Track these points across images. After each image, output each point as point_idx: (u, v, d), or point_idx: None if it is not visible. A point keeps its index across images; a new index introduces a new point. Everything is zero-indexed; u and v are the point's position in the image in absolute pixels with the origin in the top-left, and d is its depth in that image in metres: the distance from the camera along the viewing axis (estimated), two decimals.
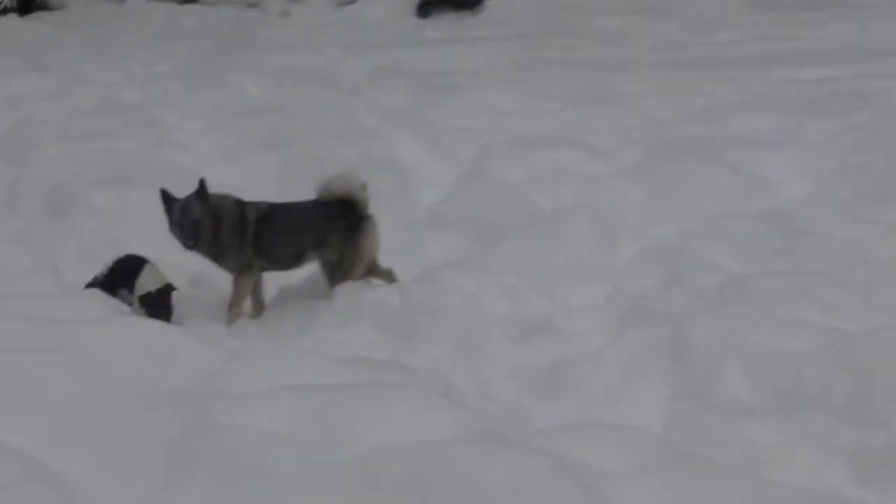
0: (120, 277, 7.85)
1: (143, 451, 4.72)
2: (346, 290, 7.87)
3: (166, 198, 7.99)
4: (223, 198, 8.21)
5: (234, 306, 8.12)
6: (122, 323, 6.25)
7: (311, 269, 8.38)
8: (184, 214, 7.97)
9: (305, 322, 7.65)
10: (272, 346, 7.04)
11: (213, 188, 8.09)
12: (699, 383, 6.15)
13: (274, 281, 8.45)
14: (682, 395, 6.20)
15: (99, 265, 7.98)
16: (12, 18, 24.64)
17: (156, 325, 6.23)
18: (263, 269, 8.28)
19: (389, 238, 9.02)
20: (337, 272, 8.09)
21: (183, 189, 8.03)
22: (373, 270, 8.24)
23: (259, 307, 8.34)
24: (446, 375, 6.57)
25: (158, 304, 7.83)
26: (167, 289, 7.93)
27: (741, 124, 11.59)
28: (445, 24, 22.97)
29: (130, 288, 7.82)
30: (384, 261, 8.42)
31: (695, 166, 9.78)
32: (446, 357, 6.92)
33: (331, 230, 8.10)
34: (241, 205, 8.21)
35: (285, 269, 8.39)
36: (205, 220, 8.00)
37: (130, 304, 7.67)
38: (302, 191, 8.87)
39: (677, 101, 12.91)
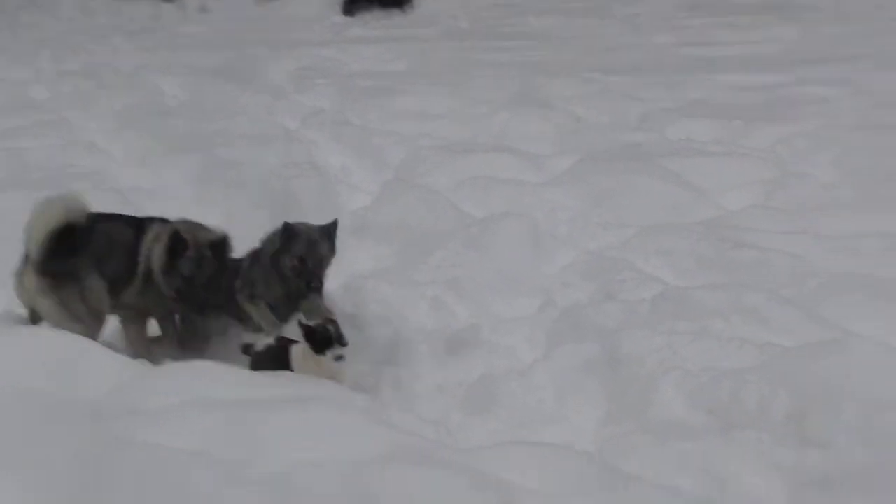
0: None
1: (47, 467, 4.68)
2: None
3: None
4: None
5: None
6: (17, 332, 6.21)
7: None
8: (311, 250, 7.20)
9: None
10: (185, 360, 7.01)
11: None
12: (633, 400, 6.16)
13: None
14: (615, 413, 6.21)
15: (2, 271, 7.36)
16: None
17: (57, 334, 6.18)
18: None
19: None
20: None
21: (93, 193, 7.89)
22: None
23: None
24: (370, 391, 6.57)
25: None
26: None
27: (679, 131, 11.63)
28: (373, 22, 23.02)
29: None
30: None
31: (631, 175, 9.78)
32: (369, 371, 6.91)
33: None
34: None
35: None
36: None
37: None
38: (220, 196, 8.81)
39: (613, 107, 12.97)
